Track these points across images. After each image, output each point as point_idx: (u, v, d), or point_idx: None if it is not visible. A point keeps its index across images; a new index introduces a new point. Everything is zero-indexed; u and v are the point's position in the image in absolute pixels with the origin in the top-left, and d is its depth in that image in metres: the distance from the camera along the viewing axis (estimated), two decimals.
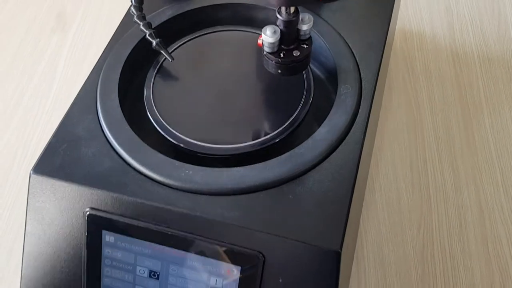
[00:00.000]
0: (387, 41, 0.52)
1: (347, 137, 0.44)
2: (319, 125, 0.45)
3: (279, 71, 0.45)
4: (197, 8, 0.54)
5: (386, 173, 0.63)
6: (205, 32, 0.53)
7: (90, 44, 0.76)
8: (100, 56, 0.51)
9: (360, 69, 0.48)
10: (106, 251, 0.44)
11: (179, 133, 0.46)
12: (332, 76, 0.50)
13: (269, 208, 0.41)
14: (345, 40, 0.50)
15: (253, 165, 0.43)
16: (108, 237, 0.43)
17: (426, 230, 0.59)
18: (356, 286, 0.54)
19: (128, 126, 0.46)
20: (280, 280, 0.40)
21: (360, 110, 0.45)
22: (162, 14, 0.53)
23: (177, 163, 0.43)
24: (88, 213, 0.43)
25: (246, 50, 0.52)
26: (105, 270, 0.44)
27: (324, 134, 0.43)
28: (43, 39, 0.77)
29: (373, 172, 0.63)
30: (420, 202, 0.61)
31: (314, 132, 0.44)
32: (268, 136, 0.45)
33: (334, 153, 0.43)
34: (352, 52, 0.49)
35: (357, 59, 0.49)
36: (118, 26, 0.54)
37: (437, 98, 0.70)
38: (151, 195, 0.42)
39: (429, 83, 0.71)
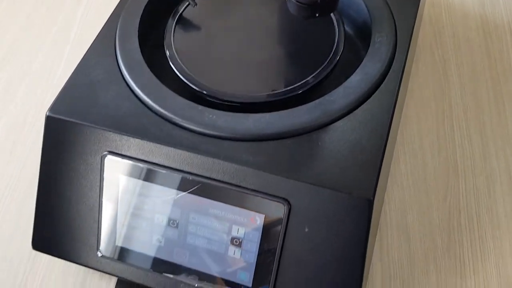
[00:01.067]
0: None
1: (381, 86, 0.41)
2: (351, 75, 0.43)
3: (304, 13, 0.42)
4: None
5: (411, 141, 0.60)
6: None
7: None
8: (118, 3, 0.49)
9: (395, 18, 0.46)
10: (123, 196, 0.42)
11: (201, 80, 0.44)
12: (365, 27, 0.48)
13: (296, 155, 0.38)
14: None
15: (280, 111, 0.40)
16: (126, 182, 0.41)
17: (452, 199, 0.56)
18: (379, 253, 0.52)
19: (148, 69, 0.43)
20: (306, 230, 0.38)
21: (395, 59, 0.43)
22: None
23: (200, 107, 0.41)
24: (106, 157, 0.41)
25: None
26: (122, 218, 0.42)
27: (357, 82, 0.41)
28: (56, 8, 0.74)
29: (399, 139, 0.60)
30: (447, 170, 0.58)
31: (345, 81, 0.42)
32: (295, 84, 0.43)
33: (367, 102, 0.41)
34: (387, 2, 0.47)
35: (391, 9, 0.46)
36: None
37: (466, 66, 0.67)
38: (173, 140, 0.40)
39: (458, 52, 0.69)
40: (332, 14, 0.47)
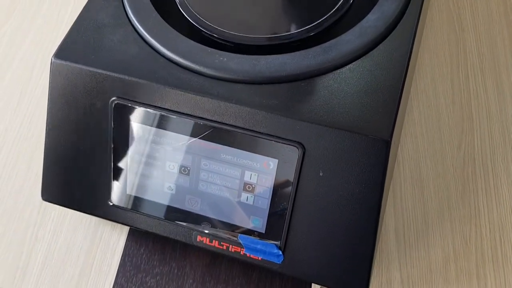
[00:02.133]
0: None
1: (398, 26, 0.40)
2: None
3: None
4: None
5: (425, 89, 0.59)
6: None
7: None
8: None
9: None
10: (133, 144, 0.41)
11: (211, 22, 0.42)
12: None
13: (311, 97, 0.37)
14: None
15: (293, 52, 0.39)
16: (136, 128, 0.40)
17: (467, 148, 0.55)
18: (392, 201, 0.52)
19: (156, 11, 0.42)
20: (321, 174, 0.37)
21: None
22: None
23: (210, 49, 0.40)
24: (115, 102, 0.40)
25: None
26: (133, 166, 0.42)
27: (373, 21, 0.39)
28: None
29: (412, 88, 0.59)
30: (461, 119, 0.57)
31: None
32: (309, 26, 0.41)
33: (384, 42, 0.39)
34: None
35: None
36: None
37: (481, 15, 0.65)
38: (183, 83, 0.39)
39: (474, 3, 0.66)
40: None
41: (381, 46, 0.39)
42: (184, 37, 0.41)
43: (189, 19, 0.43)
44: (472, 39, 0.63)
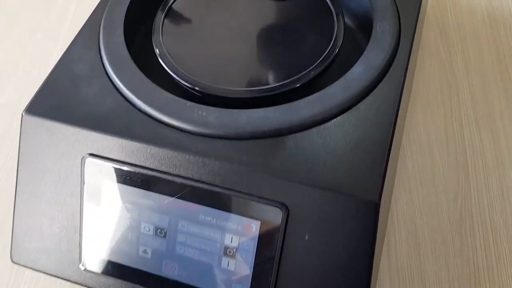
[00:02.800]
0: None
1: (385, 78, 0.38)
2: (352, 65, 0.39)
3: None
4: None
5: (418, 139, 0.57)
6: None
7: None
8: None
9: (398, 6, 0.42)
10: (106, 203, 0.38)
11: (191, 74, 0.41)
12: (366, 19, 0.44)
13: (294, 154, 0.35)
14: None
15: (276, 106, 0.37)
16: (109, 186, 0.38)
17: (464, 201, 0.52)
18: (387, 259, 0.48)
19: (134, 64, 0.40)
20: (307, 237, 0.34)
21: (399, 48, 0.39)
22: None
23: (188, 103, 0.38)
24: (86, 159, 0.38)
25: None
26: (105, 227, 0.39)
27: (359, 73, 0.38)
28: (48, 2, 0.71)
29: (404, 139, 0.57)
30: (457, 170, 0.55)
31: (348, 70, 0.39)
32: (292, 78, 0.40)
33: (371, 94, 0.37)
34: None
35: None
36: None
37: (473, 61, 0.64)
38: (159, 139, 0.36)
39: (464, 46, 0.65)
40: (331, 5, 0.44)
41: (367, 99, 0.37)
42: (162, 90, 0.39)
43: (169, 71, 0.41)
44: (465, 86, 0.61)
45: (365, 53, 0.39)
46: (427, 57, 0.64)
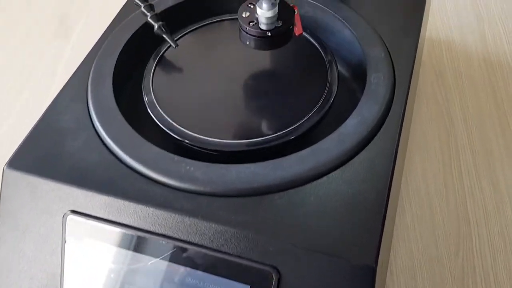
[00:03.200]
0: (421, 31, 0.45)
1: (380, 131, 0.37)
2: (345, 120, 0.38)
3: (255, 45, 0.39)
4: None
5: (417, 189, 0.55)
6: (213, 21, 0.47)
7: None
8: (97, 42, 0.45)
9: (392, 57, 0.42)
10: (88, 263, 0.36)
11: (181, 126, 0.39)
12: (360, 68, 0.43)
13: (286, 213, 0.33)
14: (373, 27, 0.44)
15: (266, 161, 0.35)
16: (91, 245, 0.36)
17: (465, 254, 0.50)
18: None
19: (121, 116, 0.39)
20: None
21: (394, 100, 0.38)
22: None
23: (176, 157, 0.36)
24: (68, 216, 0.36)
25: None
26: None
27: (352, 127, 0.36)
28: (44, 43, 0.71)
29: (403, 188, 0.55)
30: (457, 221, 0.53)
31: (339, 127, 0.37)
32: (283, 131, 0.38)
33: (366, 149, 0.36)
34: (383, 40, 0.43)
35: (388, 47, 0.42)
36: (119, 11, 0.48)
37: (471, 108, 0.63)
38: (144, 196, 0.35)
39: (462, 92, 0.64)
40: (323, 54, 0.43)
41: (362, 154, 0.35)
42: (149, 143, 0.37)
43: (157, 120, 0.40)
44: (463, 133, 0.60)
45: (359, 105, 0.38)
46: (423, 103, 0.63)
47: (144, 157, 0.36)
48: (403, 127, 0.38)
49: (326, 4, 0.46)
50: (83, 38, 0.72)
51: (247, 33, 0.39)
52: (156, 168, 0.36)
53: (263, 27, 0.39)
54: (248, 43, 0.40)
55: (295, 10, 0.40)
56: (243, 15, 0.39)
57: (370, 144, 0.36)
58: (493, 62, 0.68)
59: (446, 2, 0.76)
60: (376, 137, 0.36)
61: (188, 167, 0.35)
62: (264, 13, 0.38)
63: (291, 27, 0.39)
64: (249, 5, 0.39)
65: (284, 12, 0.39)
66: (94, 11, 0.76)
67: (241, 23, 0.39)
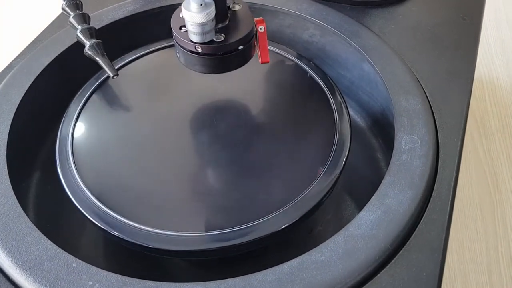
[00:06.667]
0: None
1: (413, 236, 0.22)
2: (359, 206, 0.24)
3: (202, 67, 0.27)
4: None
5: (453, 280, 0.41)
6: (164, 45, 0.34)
7: None
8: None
9: (434, 110, 0.28)
10: None
11: (116, 213, 0.25)
12: (384, 122, 0.29)
13: None
14: (406, 64, 0.30)
15: (234, 278, 0.21)
16: None
17: None
18: None
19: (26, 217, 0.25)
20: None
21: (438, 179, 0.24)
22: (114, 12, 0.34)
23: (75, 262, 0.22)
24: None
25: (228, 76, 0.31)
26: None
27: (369, 226, 0.22)
28: None
29: None
30: None
31: (349, 216, 0.23)
32: (263, 219, 0.24)
33: (389, 267, 0.21)
34: (420, 83, 0.29)
35: (428, 94, 0.28)
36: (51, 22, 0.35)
37: None
38: None
39: (509, 147, 0.50)
40: (330, 97, 0.29)
41: (383, 273, 0.21)
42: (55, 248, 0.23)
43: (82, 209, 0.26)
44: None
45: (381, 188, 0.24)
46: (462, 162, 0.48)
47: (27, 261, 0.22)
48: (449, 231, 0.23)
49: (339, 26, 0.32)
50: None
51: (176, 42, 0.27)
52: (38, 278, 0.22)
53: (193, 37, 0.25)
54: (178, 56, 0.27)
55: (261, 26, 0.26)
56: (179, 15, 0.26)
57: (396, 258, 0.22)
58: None
59: (488, 32, 0.62)
60: (406, 246, 0.22)
61: (91, 283, 0.21)
62: (191, 16, 0.24)
63: (241, 47, 0.26)
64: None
65: (236, 24, 0.26)
66: None
67: (172, 25, 0.26)
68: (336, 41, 0.33)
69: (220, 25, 0.26)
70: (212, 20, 0.25)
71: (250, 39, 0.26)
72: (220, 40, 0.25)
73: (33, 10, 0.64)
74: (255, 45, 0.27)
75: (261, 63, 0.27)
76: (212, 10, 0.24)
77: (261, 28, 0.26)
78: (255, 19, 0.26)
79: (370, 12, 0.34)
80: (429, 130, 0.26)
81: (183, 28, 0.26)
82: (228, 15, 0.26)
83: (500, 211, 0.46)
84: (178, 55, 0.27)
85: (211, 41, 0.25)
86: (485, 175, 0.48)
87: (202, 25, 0.24)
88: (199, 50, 0.26)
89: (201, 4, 0.24)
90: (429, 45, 0.32)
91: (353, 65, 0.33)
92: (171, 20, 0.26)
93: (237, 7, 0.27)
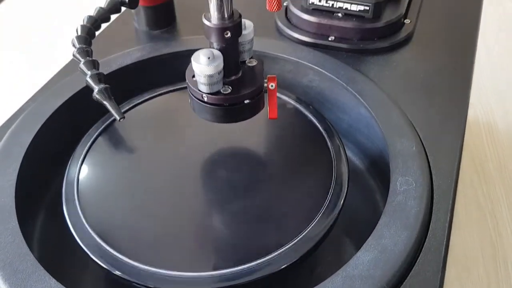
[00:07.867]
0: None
1: (411, 274, 0.23)
2: (356, 246, 0.24)
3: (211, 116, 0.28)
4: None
5: None
6: (170, 89, 0.35)
7: None
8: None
9: (428, 152, 0.29)
10: None
11: (119, 252, 0.26)
12: (380, 163, 0.30)
13: None
14: (400, 108, 0.31)
15: None
16: None
17: None
18: None
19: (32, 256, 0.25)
20: None
21: (433, 220, 0.25)
22: (123, 58, 0.36)
23: None
24: None
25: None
26: None
27: (366, 265, 0.23)
28: None
29: None
30: None
31: (349, 257, 0.24)
32: (263, 260, 0.25)
33: None
34: (413, 126, 0.30)
35: (421, 137, 0.29)
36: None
37: None
38: None
39: (510, 190, 0.51)
40: (328, 140, 0.30)
41: None
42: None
43: (91, 255, 0.26)
44: None
45: (377, 229, 0.24)
46: (461, 204, 0.49)
47: None
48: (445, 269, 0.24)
49: (337, 72, 0.34)
50: None
51: (188, 89, 0.28)
52: None
53: (201, 87, 0.27)
54: (190, 101, 0.29)
55: (271, 84, 0.27)
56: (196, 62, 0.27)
57: None
58: None
59: (483, 73, 0.63)
60: (404, 285, 0.22)
61: None
62: (199, 68, 0.26)
63: (247, 102, 0.27)
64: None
65: (247, 78, 0.27)
66: None
67: (187, 73, 0.28)
68: (334, 86, 0.34)
69: (233, 77, 0.27)
70: (219, 73, 0.26)
71: (257, 94, 0.28)
72: (227, 92, 0.27)
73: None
74: (263, 101, 0.28)
75: (269, 119, 0.29)
76: (219, 64, 0.26)
77: (271, 86, 0.28)
78: (268, 76, 0.28)
79: (365, 59, 0.36)
80: (423, 172, 0.27)
81: (194, 77, 0.27)
82: (242, 69, 0.28)
83: (501, 254, 0.46)
84: (189, 101, 0.29)
85: (218, 92, 0.27)
86: (485, 219, 0.49)
87: (209, 76, 0.26)
88: (205, 99, 0.27)
89: (209, 58, 0.26)
90: (422, 90, 0.33)
91: (351, 109, 0.34)
92: (187, 69, 0.28)
93: (254, 63, 0.28)
